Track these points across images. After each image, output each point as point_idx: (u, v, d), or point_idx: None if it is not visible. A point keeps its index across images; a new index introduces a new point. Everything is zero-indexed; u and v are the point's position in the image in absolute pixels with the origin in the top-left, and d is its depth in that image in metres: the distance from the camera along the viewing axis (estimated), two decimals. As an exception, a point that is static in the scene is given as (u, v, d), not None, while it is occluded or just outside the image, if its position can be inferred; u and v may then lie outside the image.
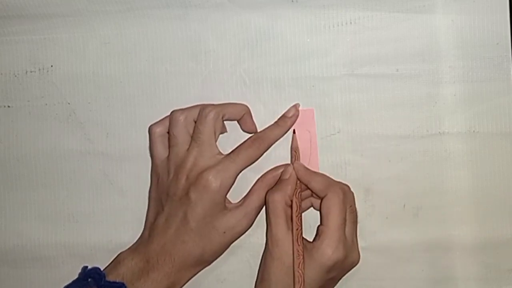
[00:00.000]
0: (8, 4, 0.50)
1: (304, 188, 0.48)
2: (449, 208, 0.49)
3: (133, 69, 0.51)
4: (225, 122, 0.49)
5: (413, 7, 0.49)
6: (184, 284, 0.47)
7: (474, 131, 0.49)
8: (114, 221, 0.51)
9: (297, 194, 0.47)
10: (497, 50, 0.49)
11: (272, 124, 0.49)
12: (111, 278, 0.45)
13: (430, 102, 0.49)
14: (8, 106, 0.52)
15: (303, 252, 0.44)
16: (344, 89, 0.50)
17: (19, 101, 0.52)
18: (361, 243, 0.48)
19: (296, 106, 0.49)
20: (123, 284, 0.45)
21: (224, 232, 0.47)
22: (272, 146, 0.49)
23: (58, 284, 0.47)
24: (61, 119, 0.52)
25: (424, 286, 0.50)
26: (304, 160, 0.49)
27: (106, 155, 0.51)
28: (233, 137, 0.50)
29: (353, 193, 0.47)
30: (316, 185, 0.46)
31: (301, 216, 0.46)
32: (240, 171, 0.47)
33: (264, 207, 0.48)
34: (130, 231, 0.50)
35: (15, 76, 0.52)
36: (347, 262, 0.45)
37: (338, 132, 0.50)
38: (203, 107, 0.47)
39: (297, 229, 0.45)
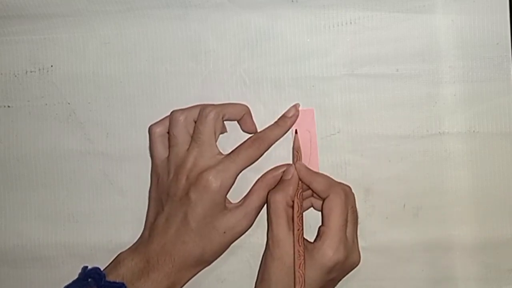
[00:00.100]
0: (8, 4, 0.50)
1: (305, 188, 0.48)
2: (449, 208, 0.50)
3: (133, 69, 0.51)
4: (225, 122, 0.49)
5: (413, 7, 0.49)
6: (184, 284, 0.47)
7: (474, 131, 0.49)
8: (114, 221, 0.51)
9: (298, 195, 0.47)
10: (497, 50, 0.49)
11: (272, 124, 0.49)
12: (111, 278, 0.45)
13: (430, 102, 0.49)
14: (8, 106, 0.52)
15: (304, 252, 0.44)
16: (344, 89, 0.50)
17: (19, 101, 0.52)
18: (361, 243, 0.48)
19: (296, 106, 0.49)
20: (123, 284, 0.45)
21: (224, 232, 0.47)
22: (272, 146, 0.49)
23: (58, 284, 0.47)
24: (61, 119, 0.52)
25: (424, 286, 0.50)
26: (304, 160, 0.49)
27: (106, 155, 0.51)
28: (233, 137, 0.50)
29: (354, 194, 0.47)
30: (318, 185, 0.46)
31: (302, 216, 0.46)
32: (240, 171, 0.47)
33: (264, 207, 0.48)
34: (130, 231, 0.50)
35: (15, 76, 0.52)
36: (347, 263, 0.45)
37: (338, 132, 0.50)
38: (203, 107, 0.47)
39: (298, 230, 0.45)
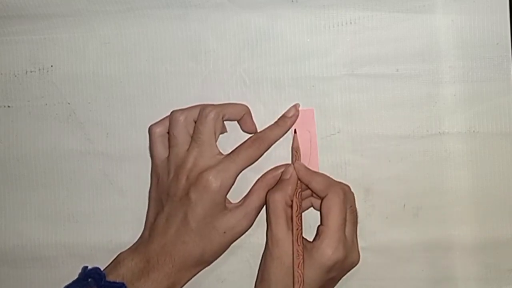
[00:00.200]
0: (8, 4, 0.50)
1: (304, 188, 0.48)
2: (449, 208, 0.50)
3: (133, 69, 0.51)
4: (225, 122, 0.49)
5: (413, 7, 0.49)
6: (184, 284, 0.47)
7: (474, 131, 0.49)
8: (114, 221, 0.51)
9: (297, 194, 0.47)
10: (497, 50, 0.49)
11: (272, 124, 0.49)
12: (111, 278, 0.45)
13: (430, 102, 0.49)
14: (8, 106, 0.52)
15: (303, 252, 0.44)
16: (344, 89, 0.50)
17: (19, 101, 0.52)
18: (361, 243, 0.48)
19: (296, 106, 0.49)
20: (123, 284, 0.45)
21: (224, 232, 0.47)
22: (272, 146, 0.49)
23: (58, 284, 0.47)
24: (61, 119, 0.52)
25: (424, 286, 0.50)
26: (304, 160, 0.49)
27: (106, 155, 0.51)
28: (233, 137, 0.49)
29: (353, 194, 0.47)
30: (316, 185, 0.46)
31: (301, 216, 0.46)
32: (240, 171, 0.47)
33: (264, 207, 0.48)
34: (130, 231, 0.50)
35: (15, 76, 0.52)
36: (347, 262, 0.45)
37: (338, 132, 0.50)
38: (203, 107, 0.47)
39: (297, 229, 0.45)
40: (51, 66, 0.51)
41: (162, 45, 0.51)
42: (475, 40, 0.49)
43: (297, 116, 0.49)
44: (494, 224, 0.49)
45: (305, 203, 0.49)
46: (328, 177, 0.48)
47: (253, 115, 0.50)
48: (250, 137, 0.48)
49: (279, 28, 0.50)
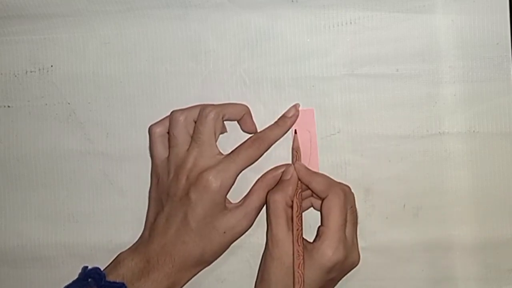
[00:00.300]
0: (8, 4, 0.50)
1: (304, 188, 0.48)
2: (449, 208, 0.50)
3: (133, 69, 0.51)
4: (225, 122, 0.49)
5: (413, 7, 0.49)
6: (184, 284, 0.47)
7: (474, 131, 0.49)
8: (114, 221, 0.51)
9: (297, 195, 0.47)
10: (497, 50, 0.49)
11: (272, 124, 0.49)
12: (111, 278, 0.45)
13: (430, 102, 0.49)
14: (8, 106, 0.52)
15: (303, 252, 0.44)
16: (344, 89, 0.50)
17: (19, 101, 0.52)
18: (361, 243, 0.48)
19: (296, 106, 0.49)
20: (123, 284, 0.45)
21: (224, 232, 0.47)
22: (272, 146, 0.49)
23: (58, 284, 0.47)
24: (61, 119, 0.52)
25: (424, 286, 0.50)
26: (304, 160, 0.49)
27: (106, 155, 0.51)
28: (233, 137, 0.49)
29: (353, 194, 0.47)
30: (317, 185, 0.46)
31: (301, 216, 0.46)
32: (240, 171, 0.47)
33: (264, 207, 0.48)
34: (130, 231, 0.50)
35: (15, 76, 0.52)
36: (347, 263, 0.45)
37: (338, 132, 0.50)
38: (203, 107, 0.47)
39: (297, 230, 0.45)
40: (51, 66, 0.51)
41: (162, 45, 0.51)
42: (475, 40, 0.49)
43: (297, 116, 0.49)
44: (494, 224, 0.49)
45: (305, 203, 0.49)
46: (329, 177, 0.48)
47: (253, 115, 0.49)
48: (250, 137, 0.48)
49: (279, 28, 0.50)
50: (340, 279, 0.47)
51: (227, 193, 0.47)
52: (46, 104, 0.52)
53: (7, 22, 0.51)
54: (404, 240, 0.50)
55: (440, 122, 0.49)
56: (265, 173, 0.49)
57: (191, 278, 0.48)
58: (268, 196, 0.46)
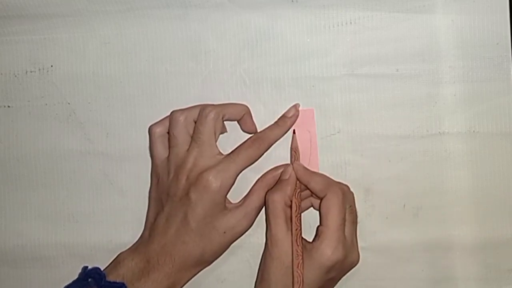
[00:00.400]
0: (8, 4, 0.50)
1: (303, 188, 0.48)
2: (449, 208, 0.50)
3: (133, 69, 0.51)
4: (225, 122, 0.49)
5: (413, 7, 0.49)
6: (184, 284, 0.47)
7: (474, 131, 0.49)
8: (114, 221, 0.51)
9: (296, 195, 0.47)
10: (497, 50, 0.49)
11: (272, 124, 0.49)
12: (111, 278, 0.45)
13: (430, 102, 0.49)
14: (8, 106, 0.52)
15: (302, 252, 0.44)
16: (344, 89, 0.50)
17: (19, 101, 0.52)
18: (361, 243, 0.48)
19: (296, 106, 0.49)
20: (123, 284, 0.45)
21: (224, 232, 0.47)
22: (272, 146, 0.49)
23: (58, 284, 0.47)
24: (61, 119, 0.52)
25: (424, 286, 0.50)
26: (304, 160, 0.49)
27: (106, 155, 0.51)
28: (233, 137, 0.49)
29: (352, 194, 0.47)
30: (315, 185, 0.46)
31: (300, 216, 0.46)
32: (240, 171, 0.47)
33: (264, 207, 0.48)
34: (130, 231, 0.50)
35: (15, 76, 0.52)
36: (346, 262, 0.45)
37: (338, 132, 0.50)
38: (203, 107, 0.47)
39: (296, 230, 0.45)
40: (51, 66, 0.51)
41: (162, 45, 0.51)
42: (475, 40, 0.49)
43: (297, 116, 0.49)
44: (494, 224, 0.49)
45: (304, 203, 0.49)
46: (327, 177, 0.48)
47: (253, 115, 0.50)
48: (250, 137, 0.48)
49: (279, 28, 0.50)
50: (340, 278, 0.47)
51: (227, 193, 0.47)
52: (46, 104, 0.52)
53: (7, 22, 0.51)
54: (404, 240, 0.50)
55: (440, 122, 0.49)
56: (265, 173, 0.49)
57: (191, 278, 0.48)
58: (267, 196, 0.46)
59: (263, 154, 0.48)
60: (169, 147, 0.48)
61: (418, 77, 0.49)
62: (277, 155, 0.50)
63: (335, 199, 0.45)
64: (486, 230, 0.49)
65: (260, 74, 0.50)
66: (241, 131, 0.50)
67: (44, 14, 0.50)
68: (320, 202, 0.46)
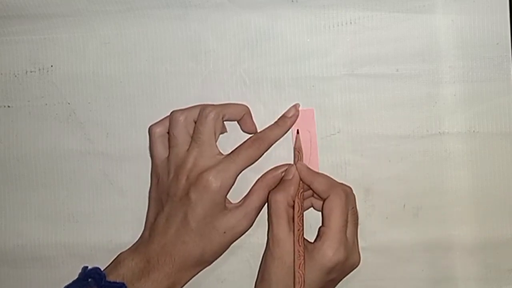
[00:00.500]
0: (8, 4, 0.50)
1: (306, 188, 0.48)
2: (449, 208, 0.50)
3: (133, 69, 0.51)
4: (225, 122, 0.49)
5: (413, 7, 0.49)
6: (185, 284, 0.47)
7: (474, 131, 0.49)
8: (114, 221, 0.51)
9: (299, 195, 0.47)
10: (497, 50, 0.49)
11: (272, 124, 0.49)
12: (111, 278, 0.45)
13: (430, 102, 0.49)
14: (8, 106, 0.52)
15: (304, 253, 0.44)
16: (344, 89, 0.50)
17: (19, 101, 0.52)
18: (361, 243, 0.48)
19: (296, 106, 0.49)
20: (123, 284, 0.45)
21: (224, 232, 0.47)
22: (272, 146, 0.49)
23: (58, 284, 0.47)
24: (61, 119, 0.52)
25: (424, 286, 0.50)
26: (304, 160, 0.49)
27: (106, 155, 0.51)
28: (233, 137, 0.49)
29: (354, 195, 0.47)
30: (318, 186, 0.46)
31: (302, 216, 0.46)
32: (240, 171, 0.47)
33: (264, 207, 0.48)
34: (130, 231, 0.50)
35: (15, 76, 0.52)
36: (347, 264, 0.45)
37: (338, 132, 0.50)
38: (203, 108, 0.47)
39: (298, 230, 0.45)
40: (51, 66, 0.51)
41: (162, 45, 0.51)
42: (475, 40, 0.49)
43: (297, 116, 0.49)
44: (494, 224, 0.49)
45: (305, 203, 0.48)
46: (330, 178, 0.48)
47: (253, 115, 0.49)
48: (250, 137, 0.48)
49: (279, 28, 0.50)
50: (340, 280, 0.47)
51: (227, 193, 0.47)
52: (46, 104, 0.52)
53: (7, 22, 0.51)
54: (404, 240, 0.50)
55: (440, 122, 0.49)
56: (265, 173, 0.49)
57: (191, 278, 0.48)
58: (269, 196, 0.46)
59: (263, 154, 0.48)
60: (169, 147, 0.48)
61: (418, 77, 0.49)
62: (277, 155, 0.50)
63: (338, 200, 0.45)
64: (486, 230, 0.49)
65: (260, 74, 0.50)
66: (241, 131, 0.50)
67: (44, 14, 0.50)
68: (323, 203, 0.46)
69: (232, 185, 0.47)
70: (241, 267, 0.50)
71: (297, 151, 0.49)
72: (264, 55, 0.50)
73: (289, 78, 0.50)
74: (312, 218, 0.49)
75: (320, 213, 0.47)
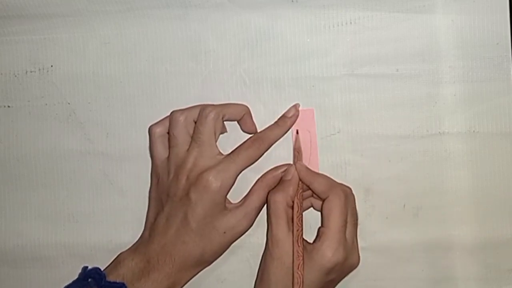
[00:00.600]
0: (8, 4, 0.50)
1: (305, 188, 0.47)
2: (449, 208, 0.50)
3: (133, 69, 0.51)
4: (225, 122, 0.49)
5: (413, 7, 0.49)
6: (185, 284, 0.47)
7: (474, 131, 0.49)
8: (114, 221, 0.51)
9: (298, 195, 0.46)
10: (497, 50, 0.49)
11: (272, 124, 0.49)
12: (111, 278, 0.45)
13: (430, 102, 0.49)
14: (8, 106, 0.52)
15: (303, 253, 0.44)
16: (344, 89, 0.50)
17: (19, 101, 0.52)
18: (361, 243, 0.48)
19: (296, 106, 0.49)
20: (123, 284, 0.45)
21: (224, 232, 0.47)
22: (272, 146, 0.49)
23: (58, 284, 0.47)
24: (61, 119, 0.52)
25: (424, 286, 0.50)
26: (304, 160, 0.49)
27: (106, 155, 0.51)
28: (233, 137, 0.50)
29: (354, 196, 0.47)
30: (318, 186, 0.46)
31: (302, 217, 0.46)
32: (240, 171, 0.47)
33: (264, 207, 0.48)
34: (130, 231, 0.50)
35: (15, 76, 0.52)
36: (346, 264, 0.45)
37: (338, 132, 0.50)
38: (203, 108, 0.47)
39: (297, 230, 0.45)
40: (51, 66, 0.51)
41: (162, 45, 0.51)
42: (475, 40, 0.49)
43: (297, 116, 0.49)
44: (494, 224, 0.49)
45: (305, 203, 0.49)
46: (330, 178, 0.48)
47: (253, 115, 0.49)
48: (250, 137, 0.48)
49: (279, 28, 0.50)
50: (340, 280, 0.47)
51: (227, 193, 0.47)
52: (46, 104, 0.52)
53: (7, 22, 0.51)
54: (404, 240, 0.50)
55: (440, 122, 0.49)
56: (265, 173, 0.49)
57: (191, 278, 0.48)
58: (268, 196, 0.46)
59: (263, 154, 0.48)
60: (169, 147, 0.48)
61: (418, 77, 0.49)
62: (277, 155, 0.50)
63: (338, 201, 0.45)
64: (486, 230, 0.49)
65: (260, 74, 0.50)
66: (241, 131, 0.50)
67: (44, 14, 0.50)
68: (322, 204, 0.46)
69: (232, 185, 0.47)
70: (241, 267, 0.50)
71: (297, 151, 0.49)
72: (264, 55, 0.50)
73: (289, 78, 0.50)
74: (311, 219, 0.49)
75: (319, 213, 0.46)
